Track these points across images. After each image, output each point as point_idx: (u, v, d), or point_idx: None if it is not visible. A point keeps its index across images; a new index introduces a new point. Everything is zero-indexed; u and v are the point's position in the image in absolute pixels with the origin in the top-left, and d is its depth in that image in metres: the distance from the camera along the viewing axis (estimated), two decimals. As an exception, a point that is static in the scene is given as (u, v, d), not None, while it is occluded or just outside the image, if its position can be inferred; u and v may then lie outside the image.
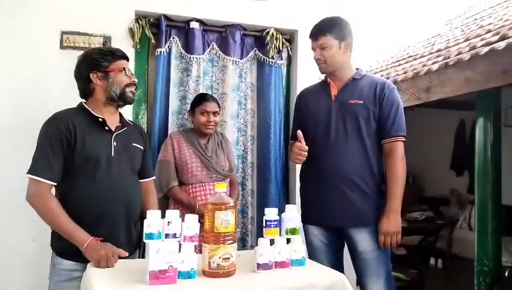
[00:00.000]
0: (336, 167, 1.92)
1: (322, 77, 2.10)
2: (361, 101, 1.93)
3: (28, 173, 1.56)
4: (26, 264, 2.18)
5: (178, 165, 2.30)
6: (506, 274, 3.05)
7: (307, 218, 2.02)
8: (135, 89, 1.76)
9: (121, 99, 1.71)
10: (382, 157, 1.99)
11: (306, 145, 1.97)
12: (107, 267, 1.41)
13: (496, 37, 2.21)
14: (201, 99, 2.35)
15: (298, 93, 2.75)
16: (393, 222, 1.87)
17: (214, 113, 2.32)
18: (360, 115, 1.92)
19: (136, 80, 1.77)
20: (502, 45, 2.03)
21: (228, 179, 2.40)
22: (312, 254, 1.97)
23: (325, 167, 1.94)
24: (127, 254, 1.52)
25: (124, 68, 1.70)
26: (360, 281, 1.96)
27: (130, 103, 1.77)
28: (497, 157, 2.93)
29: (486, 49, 2.12)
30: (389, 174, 1.93)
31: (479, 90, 2.35)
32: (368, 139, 1.93)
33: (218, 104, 2.39)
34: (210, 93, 2.59)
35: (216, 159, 2.33)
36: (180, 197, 2.24)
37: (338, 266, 1.92)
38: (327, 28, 1.93)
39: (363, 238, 1.91)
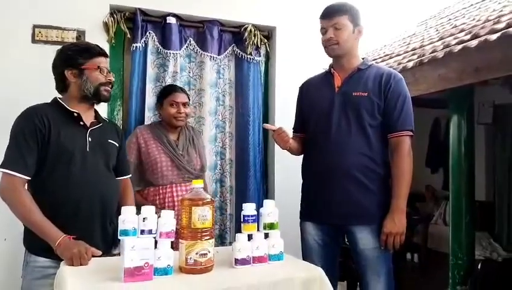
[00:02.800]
0: (338, 161, 1.82)
1: (327, 67, 2.00)
2: (366, 93, 1.83)
3: (0, 167, 1.51)
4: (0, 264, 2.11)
5: (146, 166, 2.15)
6: (479, 267, 3.14)
7: (304, 214, 1.96)
8: (111, 88, 1.72)
9: (95, 98, 1.68)
10: (388, 152, 1.89)
11: (307, 138, 1.93)
12: (81, 265, 1.38)
13: (469, 36, 2.26)
14: (170, 89, 2.25)
15: (277, 89, 2.78)
16: (397, 222, 1.77)
17: (184, 104, 2.20)
18: (363, 108, 1.82)
19: (113, 79, 1.73)
20: (473, 43, 2.08)
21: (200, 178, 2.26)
22: (306, 253, 1.92)
23: (326, 162, 1.85)
24: (100, 253, 1.49)
25: (99, 66, 1.66)
26: (361, 279, 1.90)
27: (105, 101, 1.75)
28: (470, 153, 3.00)
29: (459, 47, 2.17)
30: (394, 171, 1.83)
31: (453, 87, 2.40)
32: (372, 132, 1.83)
33: (188, 96, 2.30)
34: (188, 89, 2.56)
35: (187, 158, 2.19)
36: (136, 204, 1.99)
37: (331, 268, 1.84)
38: (344, 9, 1.84)
39: (364, 237, 1.82)
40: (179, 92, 2.23)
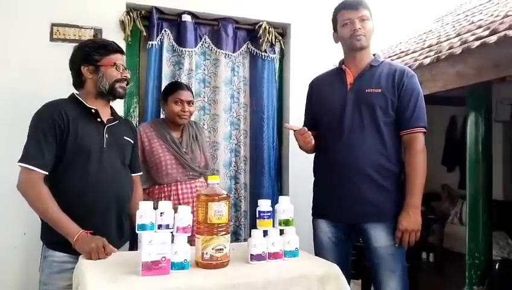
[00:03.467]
0: (351, 158, 1.81)
1: (337, 63, 1.99)
2: (379, 90, 1.81)
3: (19, 161, 1.53)
4: (17, 258, 2.17)
5: (150, 164, 2.13)
6: (497, 267, 3.09)
7: (317, 212, 1.95)
8: (127, 84, 1.74)
9: (111, 94, 1.69)
10: (401, 149, 1.87)
11: (319, 135, 1.92)
12: (99, 259, 1.40)
13: (487, 32, 2.23)
14: (174, 87, 2.21)
15: (291, 86, 2.77)
16: (413, 219, 1.75)
17: (189, 102, 2.16)
18: (377, 105, 1.81)
19: (128, 76, 1.73)
20: (493, 39, 2.04)
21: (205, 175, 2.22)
22: (318, 251, 1.91)
23: (339, 159, 1.83)
24: (116, 250, 1.50)
25: (115, 63, 1.67)
26: (375, 277, 1.87)
27: (120, 98, 1.75)
28: (488, 152, 2.95)
29: (477, 43, 2.14)
30: (408, 168, 1.81)
31: (471, 84, 2.37)
32: (386, 130, 1.82)
33: (192, 93, 2.27)
34: (203, 86, 2.57)
35: (191, 155, 2.16)
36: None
37: (345, 265, 1.78)
38: (365, 3, 1.87)
39: (378, 234, 1.81)
40: (184, 89, 2.20)
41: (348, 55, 1.93)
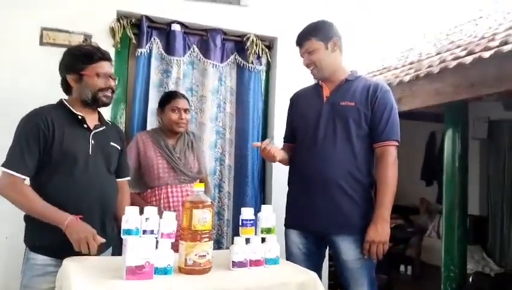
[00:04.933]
0: (323, 171, 1.85)
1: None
2: (353, 103, 1.86)
3: (1, 165, 1.56)
4: (0, 262, 2.13)
5: (144, 169, 2.20)
6: (470, 279, 3.18)
7: (289, 221, 1.99)
8: (112, 92, 1.74)
9: (94, 103, 1.70)
10: (373, 163, 1.92)
11: (296, 148, 1.99)
12: (88, 250, 1.45)
13: (464, 52, 2.34)
14: (171, 96, 2.28)
15: (277, 98, 2.83)
16: (380, 231, 1.78)
17: (185, 110, 2.24)
18: (350, 118, 1.85)
19: (113, 84, 1.73)
20: (468, 59, 2.15)
21: (197, 181, 2.25)
22: (289, 260, 1.90)
23: (312, 171, 1.88)
24: (104, 240, 1.52)
25: (97, 73, 1.67)
26: (344, 289, 1.91)
27: (104, 106, 1.76)
28: (464, 168, 3.06)
29: (454, 63, 2.24)
30: (379, 180, 1.84)
31: (448, 102, 2.47)
32: (358, 142, 1.86)
33: (189, 102, 2.35)
34: (190, 95, 2.61)
35: (184, 161, 2.23)
36: (134, 205, 1.96)
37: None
38: (310, 32, 1.92)
39: (346, 247, 1.84)
40: (180, 98, 2.27)
41: None
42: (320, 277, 1.96)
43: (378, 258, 1.82)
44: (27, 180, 1.59)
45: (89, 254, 1.48)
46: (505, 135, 4.57)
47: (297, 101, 2.09)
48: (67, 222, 1.49)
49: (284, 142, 2.17)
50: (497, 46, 2.12)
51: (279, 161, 2.03)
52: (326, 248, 2.01)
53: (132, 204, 1.86)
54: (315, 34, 1.91)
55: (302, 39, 1.93)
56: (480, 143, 4.72)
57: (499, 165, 4.64)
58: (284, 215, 2.03)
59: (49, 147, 1.58)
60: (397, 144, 1.88)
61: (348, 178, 1.85)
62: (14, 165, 1.54)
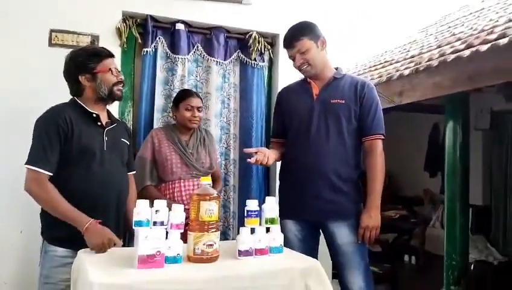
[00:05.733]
0: (316, 164, 1.96)
1: (302, 76, 2.13)
2: (343, 101, 1.97)
3: (26, 163, 1.62)
4: (14, 255, 2.23)
5: (158, 163, 2.30)
6: (472, 268, 3.24)
7: (285, 213, 2.00)
8: (122, 86, 1.84)
9: (110, 98, 1.80)
10: (360, 155, 2.04)
11: (288, 142, 2.06)
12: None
13: (463, 46, 2.37)
14: (186, 94, 2.38)
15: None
16: (374, 217, 1.91)
17: (198, 108, 2.35)
18: (342, 114, 1.96)
19: (123, 78, 1.84)
20: (466, 53, 2.19)
21: (209, 175, 2.36)
22: (287, 247, 2.02)
23: (306, 165, 1.98)
24: (121, 243, 1.61)
25: (110, 68, 1.76)
26: (339, 274, 2.00)
27: (118, 100, 1.87)
28: (465, 159, 3.10)
29: (452, 56, 2.28)
30: (369, 171, 1.97)
31: (447, 94, 2.51)
32: (348, 137, 1.97)
33: (202, 100, 2.45)
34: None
35: (196, 156, 2.33)
36: (152, 197, 2.06)
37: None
38: (301, 32, 1.98)
39: (341, 232, 1.95)
40: (194, 96, 2.37)
41: None
42: (316, 257, 2.05)
43: (371, 242, 1.95)
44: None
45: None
46: (508, 126, 4.58)
47: (286, 98, 2.16)
48: (87, 225, 1.55)
49: (272, 137, 2.24)
50: (495, 40, 2.15)
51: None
52: (320, 233, 2.09)
53: (149, 196, 2.00)
54: (306, 33, 1.98)
55: (294, 40, 1.98)
56: (482, 134, 4.75)
57: (501, 155, 4.65)
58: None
59: (69, 143, 1.66)
60: (383, 137, 2.02)
61: (340, 170, 1.96)
62: (38, 162, 1.61)
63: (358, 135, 2.00)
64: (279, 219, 2.04)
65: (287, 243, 1.99)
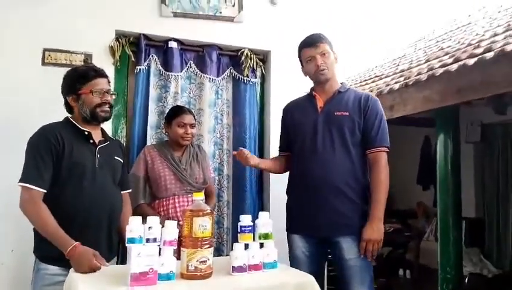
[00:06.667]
0: (324, 177, 1.95)
1: (308, 90, 2.16)
2: (347, 113, 1.98)
3: (19, 181, 1.63)
4: (4, 274, 2.20)
5: (152, 180, 2.30)
6: (466, 281, 3.24)
7: (293, 228, 2.06)
8: (109, 107, 1.81)
9: (93, 119, 1.79)
10: (367, 165, 2.04)
11: (293, 156, 2.09)
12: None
13: (451, 60, 2.42)
14: (178, 111, 2.37)
15: (272, 108, 2.92)
16: (376, 230, 1.89)
17: (191, 125, 2.35)
18: (345, 127, 1.97)
19: (109, 98, 1.81)
20: (454, 67, 2.24)
21: (203, 191, 2.34)
22: (293, 264, 1.99)
23: (313, 178, 1.96)
24: (108, 265, 1.60)
25: (91, 90, 1.75)
26: (344, 288, 1.96)
27: (103, 121, 1.84)
28: (457, 171, 3.12)
29: (441, 70, 2.33)
30: (373, 183, 1.97)
31: (437, 108, 2.55)
32: (354, 149, 1.98)
33: (194, 117, 2.45)
34: (188, 108, 2.69)
35: (190, 172, 2.32)
36: (145, 214, 1.91)
37: (318, 278, 1.85)
38: (324, 38, 2.04)
39: (348, 246, 1.92)
40: (186, 113, 2.37)
41: (316, 85, 2.11)
42: (323, 274, 2.05)
43: (373, 256, 1.91)
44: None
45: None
46: (498, 138, 4.63)
47: (291, 112, 2.18)
48: (68, 251, 1.54)
49: (279, 151, 2.25)
50: (482, 54, 2.20)
51: (264, 169, 2.26)
52: (328, 248, 2.07)
53: (144, 214, 2.00)
54: (328, 42, 2.04)
55: (319, 41, 2.02)
56: (474, 146, 4.79)
57: (492, 167, 4.69)
58: (283, 220, 2.09)
59: (60, 160, 1.66)
60: (387, 150, 2.01)
61: (348, 182, 1.96)
62: (32, 180, 1.61)
63: (363, 147, 2.01)
64: (286, 233, 2.07)
65: (294, 259, 2.03)
